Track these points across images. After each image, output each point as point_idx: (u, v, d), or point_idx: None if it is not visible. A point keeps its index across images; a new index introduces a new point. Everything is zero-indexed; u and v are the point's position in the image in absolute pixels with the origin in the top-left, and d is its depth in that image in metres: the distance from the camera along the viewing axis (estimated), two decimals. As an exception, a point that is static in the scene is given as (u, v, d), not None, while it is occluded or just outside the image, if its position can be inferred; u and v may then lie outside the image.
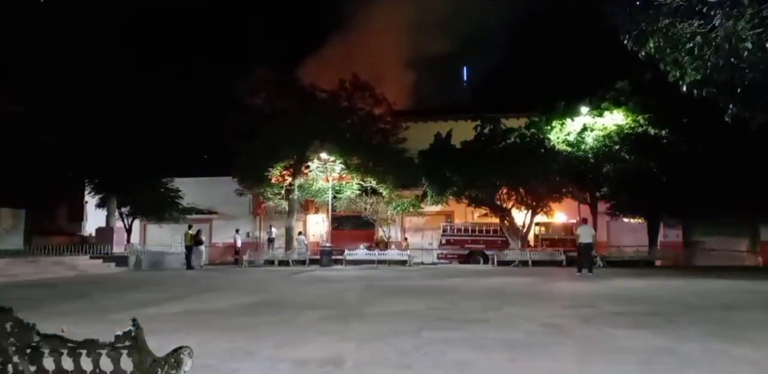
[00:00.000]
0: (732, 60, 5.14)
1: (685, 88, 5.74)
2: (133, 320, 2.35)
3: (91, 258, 19.42)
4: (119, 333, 2.32)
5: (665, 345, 5.08)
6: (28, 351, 2.29)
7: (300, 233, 25.75)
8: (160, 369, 2.40)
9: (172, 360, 2.55)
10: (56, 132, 20.77)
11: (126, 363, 2.28)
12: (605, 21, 5.79)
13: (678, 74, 5.62)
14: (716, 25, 4.96)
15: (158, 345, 2.68)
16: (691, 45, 5.26)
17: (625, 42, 5.75)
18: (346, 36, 44.61)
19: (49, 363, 2.30)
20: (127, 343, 2.31)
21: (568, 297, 10.08)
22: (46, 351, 2.33)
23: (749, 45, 4.84)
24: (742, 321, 6.60)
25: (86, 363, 2.30)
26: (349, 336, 5.62)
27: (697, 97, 5.77)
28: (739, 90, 5.43)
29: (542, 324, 6.39)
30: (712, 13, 4.94)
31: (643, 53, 5.73)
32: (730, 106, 5.71)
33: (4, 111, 18.57)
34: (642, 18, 5.47)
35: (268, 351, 4.91)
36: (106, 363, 2.29)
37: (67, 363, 2.30)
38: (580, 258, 16.13)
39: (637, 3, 5.41)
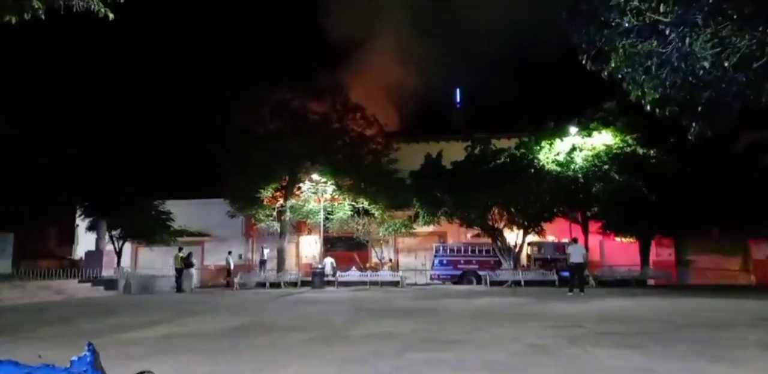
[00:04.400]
0: (690, 79, 5.26)
1: (648, 107, 5.86)
2: (89, 344, 2.34)
3: (80, 282, 19.21)
4: (74, 357, 2.30)
5: (647, 365, 5.05)
6: (-18, 376, 2.27)
7: (329, 255, 24.58)
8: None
9: (131, 384, 2.52)
10: (47, 155, 20.75)
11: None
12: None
13: (639, 93, 5.74)
14: (673, 44, 5.09)
15: (135, 370, 2.67)
16: (649, 64, 5.38)
17: (583, 62, 5.88)
18: (339, 56, 45.28)
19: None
20: (83, 369, 2.30)
21: (557, 317, 10.01)
22: (2, 376, 2.31)
23: (706, 64, 4.96)
24: (727, 340, 6.58)
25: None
26: (330, 359, 5.57)
27: (659, 116, 5.89)
28: (699, 108, 5.54)
29: (527, 344, 6.34)
30: (668, 32, 5.07)
31: (606, 73, 5.85)
32: (693, 124, 5.82)
33: None
34: (599, 37, 5.61)
35: (245, 375, 4.84)
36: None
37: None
38: (572, 277, 16.11)
39: (592, 22, 5.54)
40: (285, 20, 47.84)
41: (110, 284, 19.70)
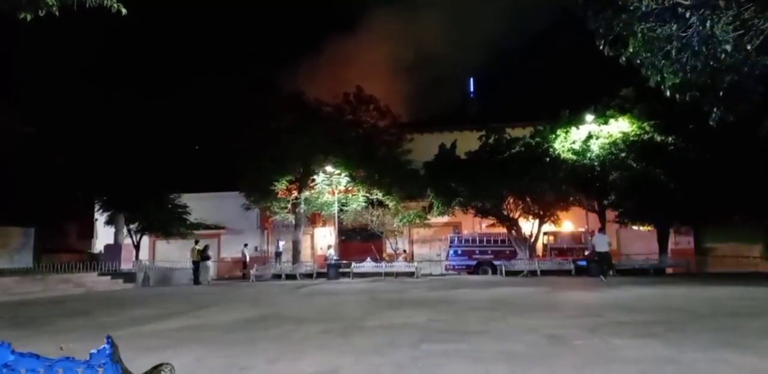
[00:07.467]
0: (711, 63, 5.10)
1: (668, 93, 5.70)
2: (108, 337, 2.33)
3: (99, 275, 19.46)
4: (94, 350, 2.30)
5: (669, 354, 4.97)
6: (3, 370, 2.28)
7: (329, 246, 25.28)
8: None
9: (150, 377, 2.53)
10: (66, 151, 21.02)
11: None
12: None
13: (658, 78, 5.58)
14: (693, 27, 4.93)
15: (154, 362, 2.67)
16: (668, 48, 5.23)
17: (601, 47, 5.73)
18: (350, 47, 45.11)
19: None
20: (102, 361, 2.30)
21: (575, 306, 9.94)
22: (22, 369, 2.32)
23: (728, 47, 4.80)
24: (750, 329, 6.46)
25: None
26: (346, 350, 5.56)
27: (679, 101, 5.73)
28: (721, 93, 5.37)
29: (545, 334, 6.28)
30: (688, 15, 4.91)
31: (624, 58, 5.70)
32: (714, 109, 5.66)
33: (15, 131, 18.84)
34: (617, 22, 5.45)
35: (263, 367, 4.86)
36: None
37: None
38: (599, 265, 16.11)
39: (609, 7, 5.38)
40: (295, 8, 47.64)
41: (129, 277, 19.95)
